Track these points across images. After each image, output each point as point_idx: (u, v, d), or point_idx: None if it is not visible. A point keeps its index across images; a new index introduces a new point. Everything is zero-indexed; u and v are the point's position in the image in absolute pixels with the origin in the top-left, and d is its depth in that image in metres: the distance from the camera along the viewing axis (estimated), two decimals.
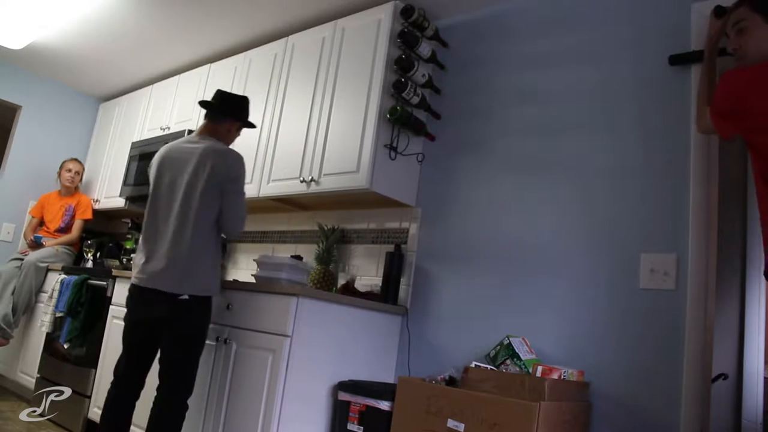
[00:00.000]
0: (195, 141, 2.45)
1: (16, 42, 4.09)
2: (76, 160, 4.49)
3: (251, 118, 3.39)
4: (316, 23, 3.24)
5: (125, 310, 2.42)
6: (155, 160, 2.48)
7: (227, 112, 2.53)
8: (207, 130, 2.50)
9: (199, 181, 2.32)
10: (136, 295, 2.36)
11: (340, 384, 2.44)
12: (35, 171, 4.65)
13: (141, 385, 2.37)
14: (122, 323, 2.47)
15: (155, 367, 2.34)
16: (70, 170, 4.39)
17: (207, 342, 2.60)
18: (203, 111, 2.60)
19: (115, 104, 4.86)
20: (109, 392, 2.37)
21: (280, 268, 2.54)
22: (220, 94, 2.57)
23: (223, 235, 2.45)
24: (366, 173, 2.68)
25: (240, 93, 3.55)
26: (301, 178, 2.95)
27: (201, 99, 2.69)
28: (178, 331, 2.30)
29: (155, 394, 2.30)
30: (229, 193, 2.37)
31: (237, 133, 2.60)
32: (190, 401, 2.57)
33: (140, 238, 2.41)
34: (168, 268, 2.26)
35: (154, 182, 2.44)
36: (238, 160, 2.42)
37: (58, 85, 4.94)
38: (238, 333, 2.49)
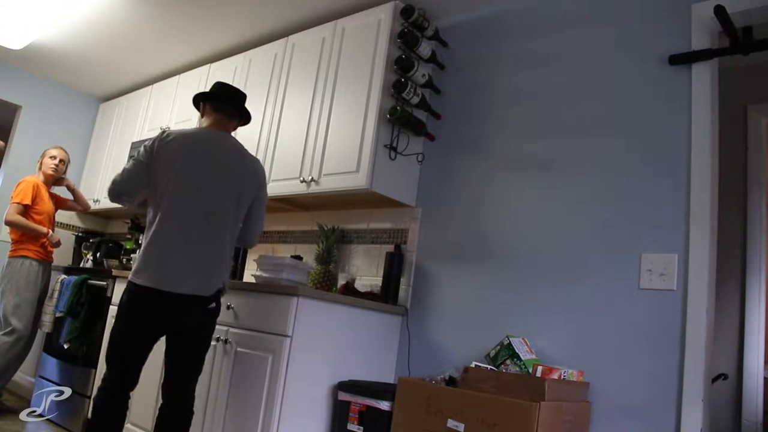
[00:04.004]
0: (220, 137, 2.34)
1: (16, 42, 4.09)
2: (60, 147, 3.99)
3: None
4: (316, 23, 3.24)
5: (131, 310, 2.17)
6: (176, 151, 2.24)
7: (244, 114, 2.47)
8: (223, 125, 2.38)
9: (235, 186, 2.27)
10: (154, 298, 2.12)
11: (340, 384, 2.44)
12: (35, 171, 4.65)
13: (136, 385, 2.28)
14: None
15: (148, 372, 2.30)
16: (54, 157, 3.83)
17: None
18: (205, 103, 2.43)
19: (115, 104, 4.86)
20: (106, 396, 2.19)
21: (280, 268, 2.54)
22: (230, 88, 2.46)
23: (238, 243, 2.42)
24: (366, 173, 2.68)
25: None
26: (301, 178, 2.95)
27: (203, 92, 2.49)
28: (202, 336, 2.25)
29: (165, 400, 2.23)
30: (260, 204, 2.39)
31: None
32: None
33: (160, 236, 2.17)
34: (200, 272, 2.16)
35: (180, 176, 2.21)
36: (263, 167, 2.45)
37: (58, 85, 4.95)
38: (238, 333, 2.49)
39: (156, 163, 2.24)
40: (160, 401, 2.26)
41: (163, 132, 2.32)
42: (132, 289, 2.16)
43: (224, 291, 2.28)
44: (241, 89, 3.47)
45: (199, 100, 2.44)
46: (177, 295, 2.12)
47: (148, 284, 2.12)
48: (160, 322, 2.18)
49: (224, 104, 2.39)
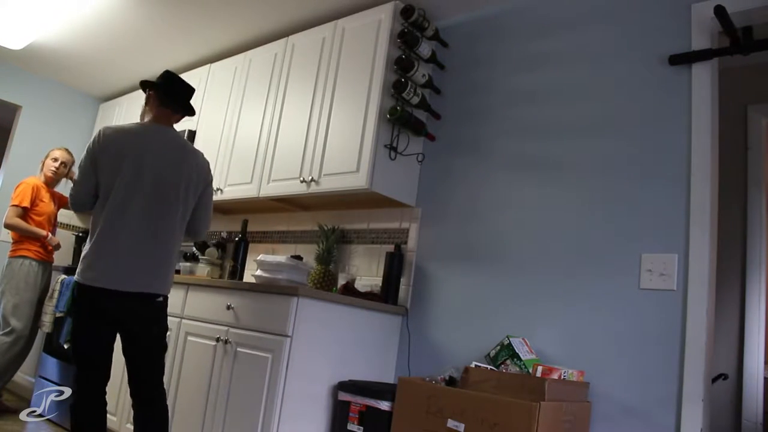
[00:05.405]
0: (163, 132, 2.32)
1: (16, 42, 4.09)
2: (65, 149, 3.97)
3: (250, 119, 3.45)
4: (316, 23, 3.24)
5: (83, 309, 2.18)
6: (119, 147, 2.22)
7: (189, 110, 2.43)
8: (165, 120, 2.35)
9: (181, 180, 2.26)
10: (101, 295, 2.12)
11: (340, 384, 2.44)
12: (35, 171, 4.63)
13: (107, 381, 2.26)
14: None
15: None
16: (56, 159, 3.82)
17: (207, 342, 2.61)
18: (150, 90, 2.37)
19: (115, 104, 4.86)
20: (79, 398, 2.17)
21: (280, 269, 2.54)
22: (179, 81, 2.41)
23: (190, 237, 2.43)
24: (366, 173, 2.68)
25: (239, 92, 3.57)
26: (301, 178, 2.95)
27: (149, 81, 2.42)
28: (155, 331, 2.24)
29: (136, 403, 2.22)
30: (208, 198, 2.40)
31: None
32: (190, 402, 2.58)
33: (106, 233, 2.15)
34: (148, 269, 2.17)
35: (125, 173, 2.19)
36: (208, 164, 2.44)
37: (58, 85, 4.95)
38: (238, 333, 2.49)
39: (100, 163, 2.21)
40: (132, 404, 2.24)
41: (104, 130, 2.26)
42: (80, 289, 2.16)
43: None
44: (242, 88, 3.54)
45: (147, 88, 2.39)
46: (125, 293, 2.13)
47: (96, 284, 2.12)
48: (111, 317, 2.17)
49: (173, 102, 2.36)
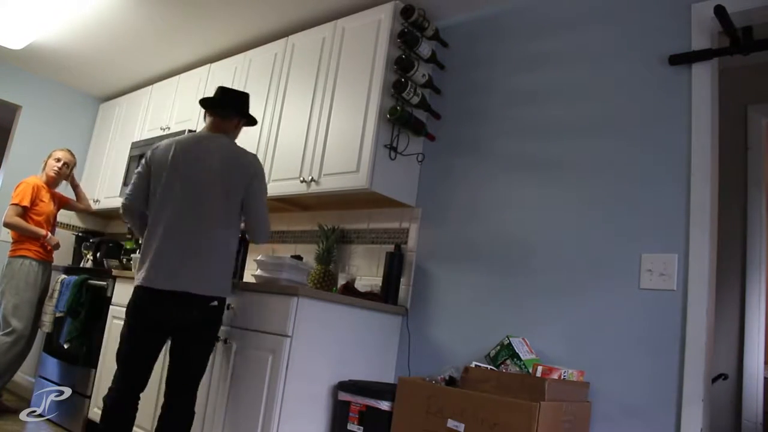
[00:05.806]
0: (207, 138, 2.40)
1: (16, 42, 4.09)
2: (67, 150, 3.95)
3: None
4: (316, 23, 3.24)
5: (134, 310, 2.26)
6: (164, 156, 2.35)
7: (234, 108, 2.48)
8: (216, 127, 2.43)
9: (227, 181, 2.29)
10: (151, 297, 2.21)
11: (340, 384, 2.44)
12: (35, 171, 4.63)
13: (145, 386, 2.33)
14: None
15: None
16: (59, 159, 3.80)
17: None
18: (203, 109, 2.56)
19: (115, 104, 4.86)
20: (112, 395, 2.25)
21: (280, 268, 2.54)
22: (224, 90, 2.53)
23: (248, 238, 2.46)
24: (366, 173, 2.68)
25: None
26: (301, 178, 2.95)
27: (202, 98, 2.64)
28: (202, 336, 2.28)
29: (165, 401, 2.27)
30: (252, 198, 2.35)
31: (240, 128, 2.56)
32: None
33: (150, 238, 2.28)
34: (191, 270, 2.21)
35: (165, 179, 2.31)
36: (256, 161, 2.44)
37: (58, 85, 4.95)
38: (238, 333, 2.49)
39: (151, 172, 2.36)
40: (162, 400, 2.29)
41: (155, 144, 2.44)
42: (134, 291, 2.28)
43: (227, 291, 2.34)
44: (241, 88, 3.52)
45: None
46: (171, 292, 2.19)
47: (143, 284, 2.23)
48: (160, 322, 2.25)
49: (215, 107, 2.47)
